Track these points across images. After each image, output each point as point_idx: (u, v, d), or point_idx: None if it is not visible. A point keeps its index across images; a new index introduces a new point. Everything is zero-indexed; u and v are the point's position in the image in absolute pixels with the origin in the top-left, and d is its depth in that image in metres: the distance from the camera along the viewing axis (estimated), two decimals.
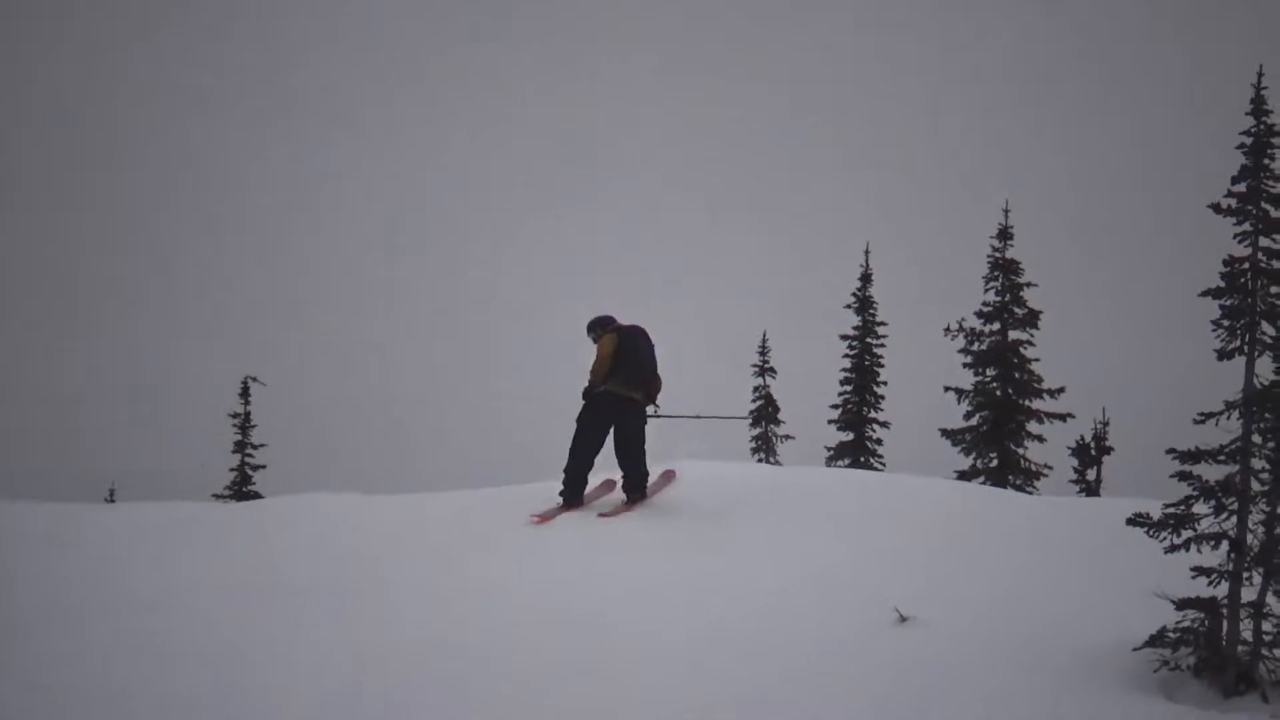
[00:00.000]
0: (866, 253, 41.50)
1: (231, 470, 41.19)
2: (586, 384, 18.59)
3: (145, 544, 16.90)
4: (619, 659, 11.65)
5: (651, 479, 18.81)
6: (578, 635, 12.67)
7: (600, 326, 18.69)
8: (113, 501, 33.75)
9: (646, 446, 18.93)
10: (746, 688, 10.93)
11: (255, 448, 41.03)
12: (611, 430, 18.67)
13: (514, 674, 12.33)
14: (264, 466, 40.89)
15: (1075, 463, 39.20)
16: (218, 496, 38.53)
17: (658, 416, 19.16)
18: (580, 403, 18.81)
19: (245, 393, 41.04)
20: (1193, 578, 12.06)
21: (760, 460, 40.56)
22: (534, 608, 13.49)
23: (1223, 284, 12.42)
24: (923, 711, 10.34)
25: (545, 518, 18.06)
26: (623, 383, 18.52)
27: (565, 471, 18.54)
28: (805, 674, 11.21)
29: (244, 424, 40.87)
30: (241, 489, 40.14)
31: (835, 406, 41.10)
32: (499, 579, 14.20)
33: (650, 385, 18.82)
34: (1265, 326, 12.26)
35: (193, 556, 16.45)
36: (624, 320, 18.88)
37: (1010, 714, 10.38)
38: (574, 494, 18.47)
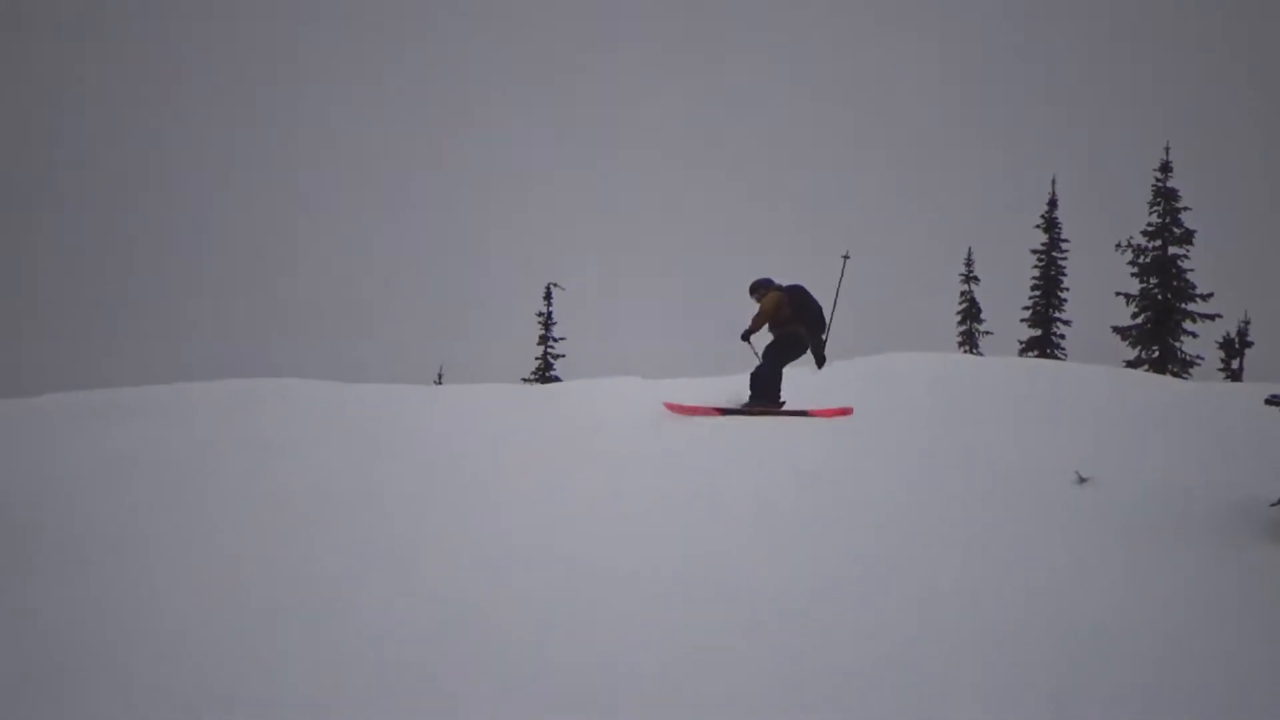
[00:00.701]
0: (1054, 182, 41.49)
1: (536, 359, 42.02)
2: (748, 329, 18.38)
3: (466, 418, 17.36)
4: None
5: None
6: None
7: (763, 287, 18.60)
8: (440, 383, 34.71)
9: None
10: (960, 530, 11.21)
11: (556, 340, 41.85)
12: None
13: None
14: (563, 355, 41.83)
15: (1222, 355, 38.84)
16: (525, 380, 39.36)
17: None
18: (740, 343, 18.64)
19: (548, 295, 42.04)
20: None
21: (966, 352, 40.67)
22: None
23: None
24: (1105, 556, 10.60)
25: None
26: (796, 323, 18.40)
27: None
28: (1019, 520, 11.50)
29: (547, 321, 41.82)
30: (544, 374, 41.12)
31: (1026, 308, 41.28)
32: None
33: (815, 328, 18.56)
34: None
35: (507, 421, 17.30)
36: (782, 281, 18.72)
37: (1174, 559, 10.59)
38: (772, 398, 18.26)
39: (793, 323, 18.27)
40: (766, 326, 18.31)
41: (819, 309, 18.44)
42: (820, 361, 18.63)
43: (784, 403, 18.12)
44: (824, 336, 18.56)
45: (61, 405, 19.72)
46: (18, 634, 8.63)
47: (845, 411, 17.85)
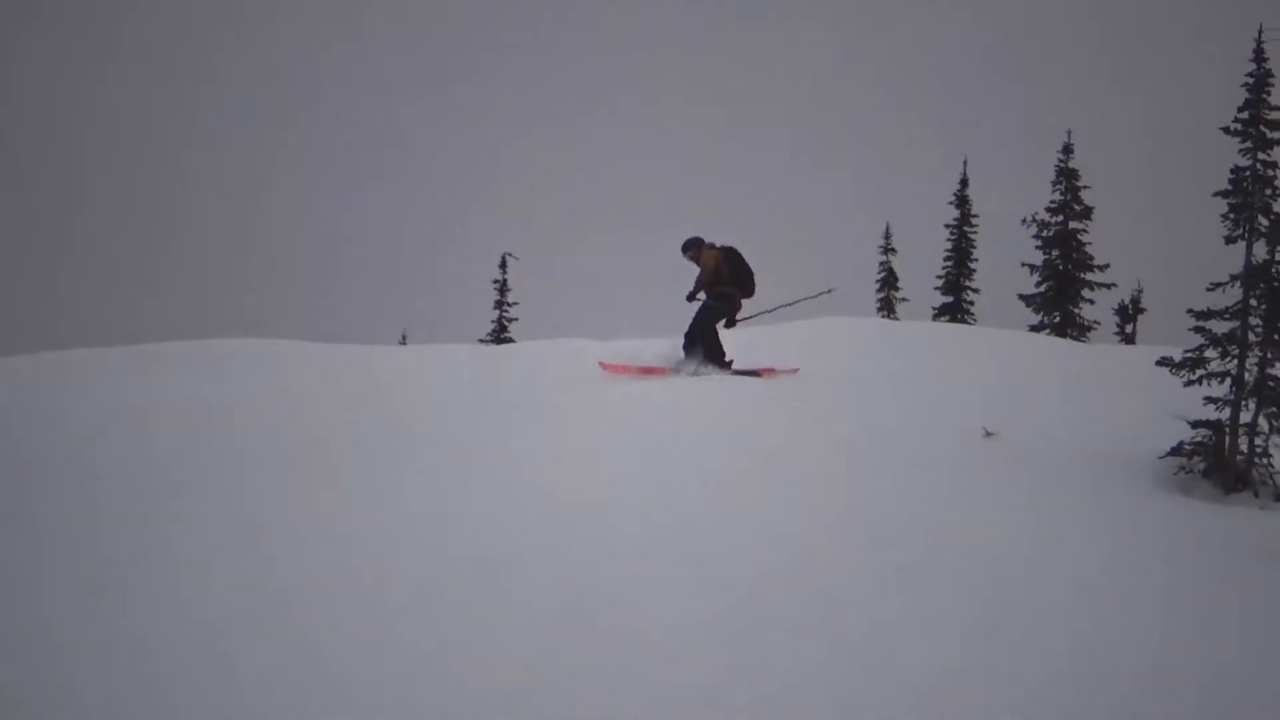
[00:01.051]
0: (965, 164, 41.70)
1: (492, 322, 41.69)
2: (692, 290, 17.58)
3: (430, 372, 17.03)
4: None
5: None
6: None
7: (696, 246, 17.62)
8: (404, 344, 34.32)
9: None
10: (879, 481, 11.09)
11: (510, 305, 41.52)
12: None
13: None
14: (516, 319, 41.59)
15: (1117, 320, 39.66)
16: (482, 341, 38.86)
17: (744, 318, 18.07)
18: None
19: (503, 265, 41.70)
20: (1204, 405, 12.40)
21: (884, 317, 40.76)
22: None
23: (1229, 187, 12.94)
24: (1009, 503, 10.55)
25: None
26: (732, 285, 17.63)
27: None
28: (926, 466, 11.39)
29: (502, 288, 41.52)
30: (499, 336, 40.72)
31: (939, 277, 41.48)
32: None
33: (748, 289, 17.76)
34: (1260, 219, 12.21)
35: (460, 380, 16.56)
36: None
37: (1073, 504, 10.64)
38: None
39: (728, 283, 17.60)
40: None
41: (750, 272, 17.75)
42: (731, 323, 17.93)
43: (731, 361, 17.50)
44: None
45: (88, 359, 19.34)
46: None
47: (793, 371, 17.37)
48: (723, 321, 17.62)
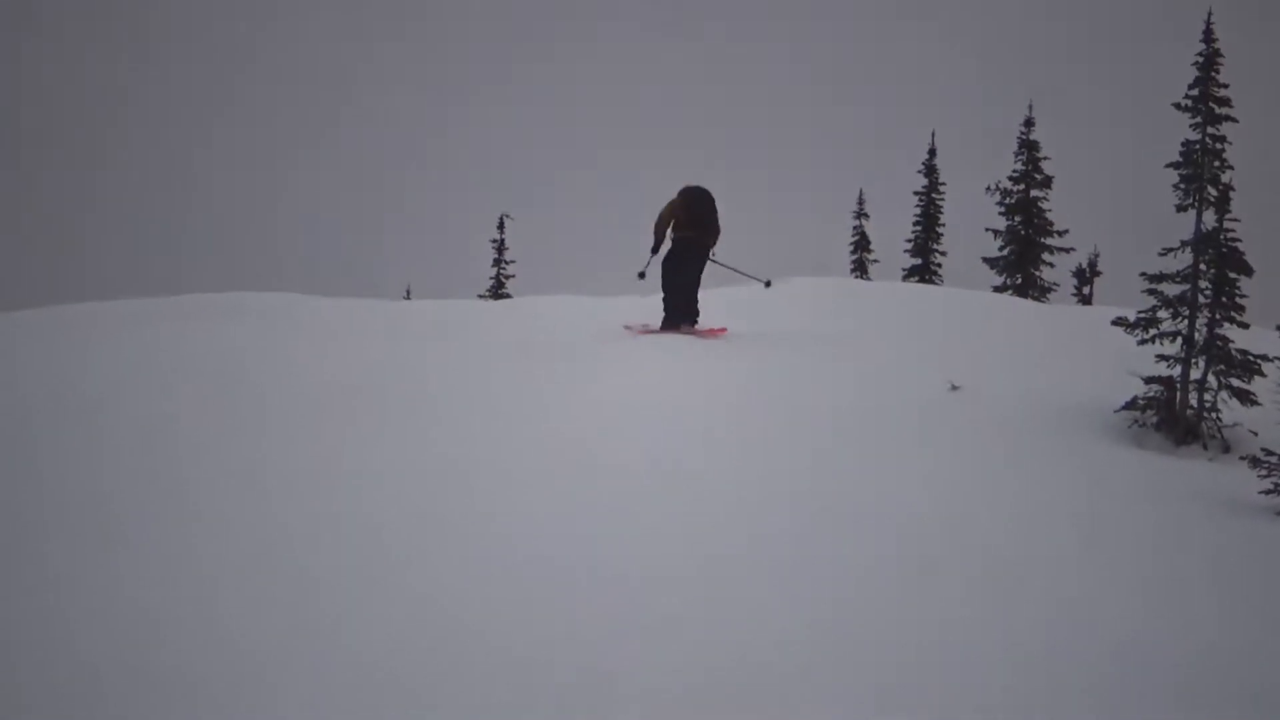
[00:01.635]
0: (933, 135, 42.06)
1: (490, 279, 41.83)
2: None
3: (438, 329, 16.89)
4: None
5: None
6: None
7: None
8: (409, 299, 34.25)
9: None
10: (850, 433, 11.15)
11: (508, 263, 41.66)
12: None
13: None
14: (513, 276, 41.80)
15: (1075, 282, 39.94)
16: (481, 296, 38.99)
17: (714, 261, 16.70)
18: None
19: (501, 225, 41.89)
20: (1156, 362, 12.51)
21: (857, 277, 41.14)
22: None
23: (1180, 159, 12.91)
24: (976, 451, 10.66)
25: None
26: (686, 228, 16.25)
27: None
28: (895, 426, 11.46)
29: (500, 246, 41.69)
30: (497, 292, 40.90)
31: (908, 240, 41.86)
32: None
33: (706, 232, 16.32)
34: (1209, 189, 12.31)
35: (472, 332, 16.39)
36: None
37: (1031, 451, 10.76)
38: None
39: (682, 227, 16.26)
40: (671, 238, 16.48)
41: (708, 215, 16.25)
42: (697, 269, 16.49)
43: (695, 322, 16.37)
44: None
45: (106, 311, 19.01)
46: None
47: (719, 331, 16.10)
48: (691, 268, 16.18)
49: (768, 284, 18.26)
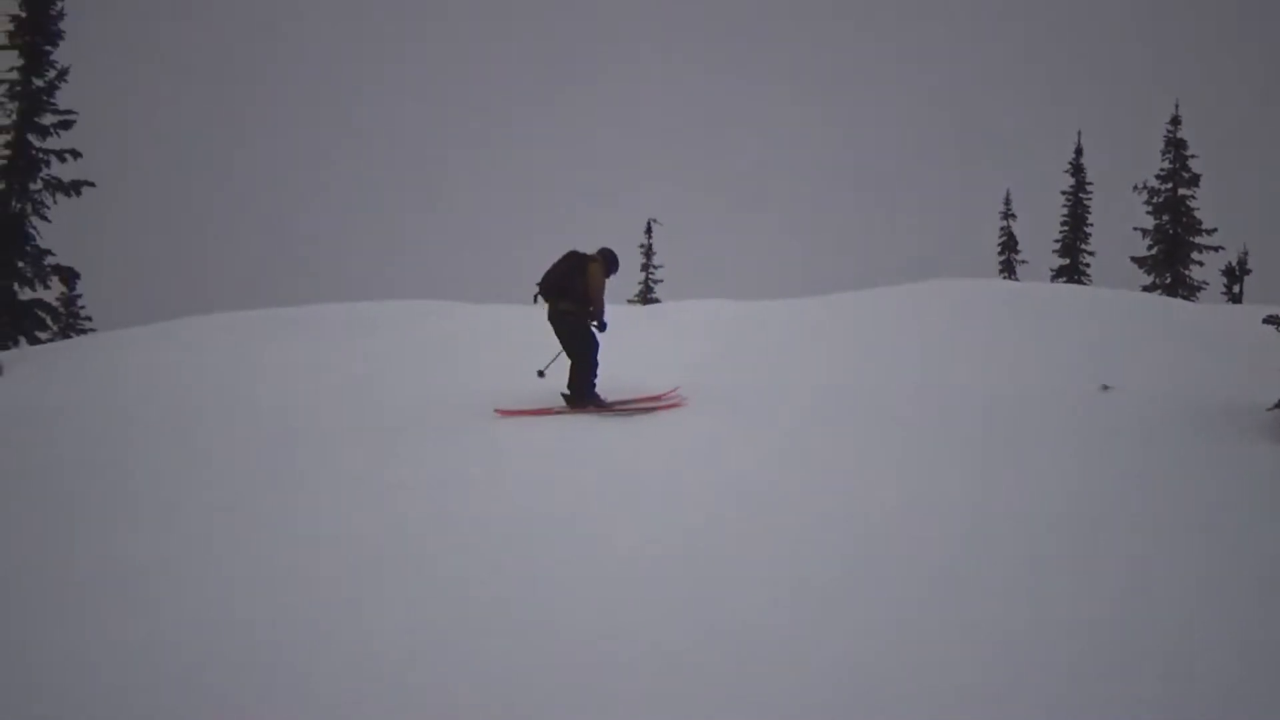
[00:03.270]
0: (1079, 135, 41.94)
1: (639, 284, 42.49)
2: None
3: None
4: None
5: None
6: None
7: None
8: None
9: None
10: (1003, 429, 11.17)
11: (656, 268, 42.23)
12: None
13: None
14: (661, 281, 42.38)
15: (1225, 281, 39.44)
16: (630, 301, 39.50)
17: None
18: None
19: (649, 230, 42.48)
20: None
21: (1005, 278, 40.88)
22: None
23: None
24: (1126, 453, 10.60)
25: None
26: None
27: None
28: (1038, 428, 11.43)
29: (648, 251, 42.15)
30: (646, 296, 41.35)
31: (1056, 241, 41.57)
32: None
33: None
34: None
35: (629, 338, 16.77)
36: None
37: (1186, 455, 10.59)
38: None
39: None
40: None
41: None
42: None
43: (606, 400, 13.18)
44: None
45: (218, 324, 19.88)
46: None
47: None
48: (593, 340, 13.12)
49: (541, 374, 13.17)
